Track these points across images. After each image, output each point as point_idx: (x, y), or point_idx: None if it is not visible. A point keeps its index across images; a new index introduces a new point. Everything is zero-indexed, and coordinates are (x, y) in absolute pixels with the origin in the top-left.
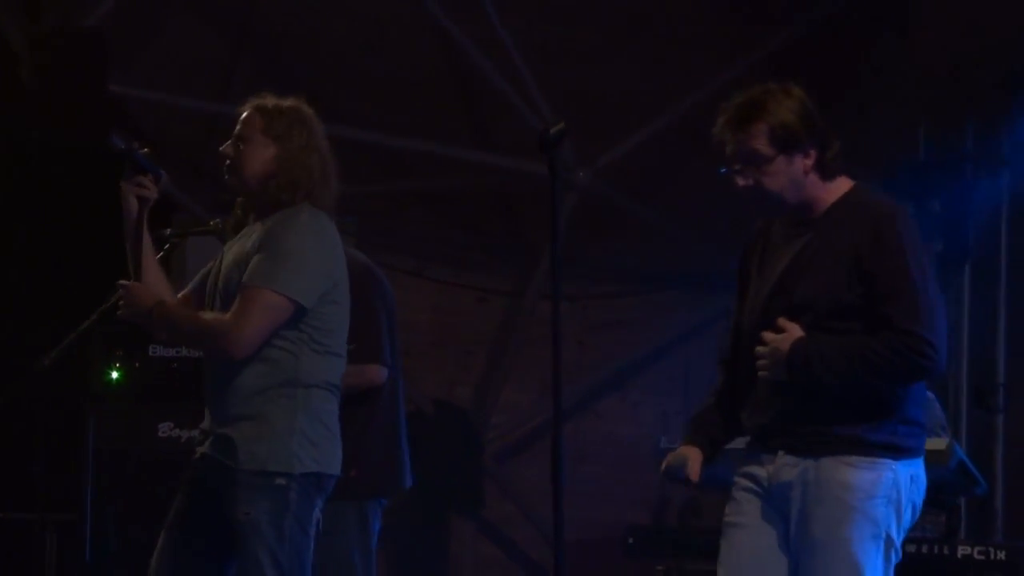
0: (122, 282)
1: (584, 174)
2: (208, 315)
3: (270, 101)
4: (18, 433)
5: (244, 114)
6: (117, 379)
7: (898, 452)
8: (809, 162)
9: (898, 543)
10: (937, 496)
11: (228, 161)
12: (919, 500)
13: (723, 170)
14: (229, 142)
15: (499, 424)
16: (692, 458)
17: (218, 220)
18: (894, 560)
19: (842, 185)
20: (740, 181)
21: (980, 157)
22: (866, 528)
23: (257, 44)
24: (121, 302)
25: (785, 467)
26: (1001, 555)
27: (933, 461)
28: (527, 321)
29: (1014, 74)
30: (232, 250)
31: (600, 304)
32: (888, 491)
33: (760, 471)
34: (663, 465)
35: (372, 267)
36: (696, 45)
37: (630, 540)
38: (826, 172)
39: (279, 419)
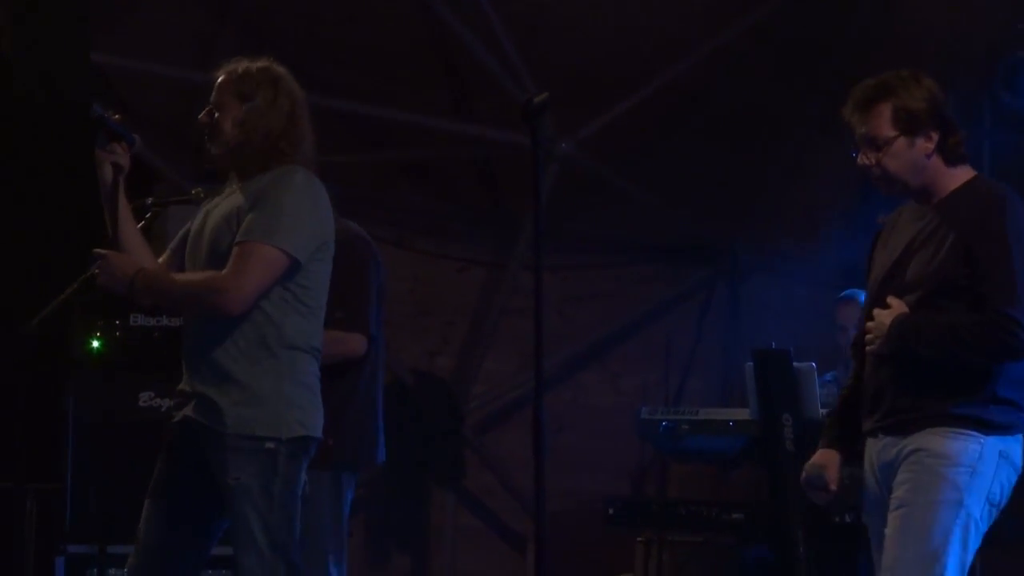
0: (99, 251)
1: (566, 145)
2: (199, 274)
3: (241, 65)
4: None
5: (218, 80)
6: (98, 348)
7: (988, 427)
8: (930, 145)
9: (978, 516)
10: None
11: (206, 130)
12: (1011, 477)
13: (853, 152)
14: (205, 111)
15: (479, 395)
16: (829, 465)
17: (200, 189)
18: (974, 534)
19: (965, 173)
20: (864, 160)
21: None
22: (946, 493)
23: (239, 14)
24: (98, 271)
25: (886, 447)
26: None
27: None
28: (508, 292)
29: (995, 47)
30: (218, 208)
31: (581, 275)
32: (972, 461)
33: (870, 458)
34: (803, 477)
35: (368, 239)
36: (678, 17)
37: (610, 511)
38: (949, 158)
39: (267, 383)
